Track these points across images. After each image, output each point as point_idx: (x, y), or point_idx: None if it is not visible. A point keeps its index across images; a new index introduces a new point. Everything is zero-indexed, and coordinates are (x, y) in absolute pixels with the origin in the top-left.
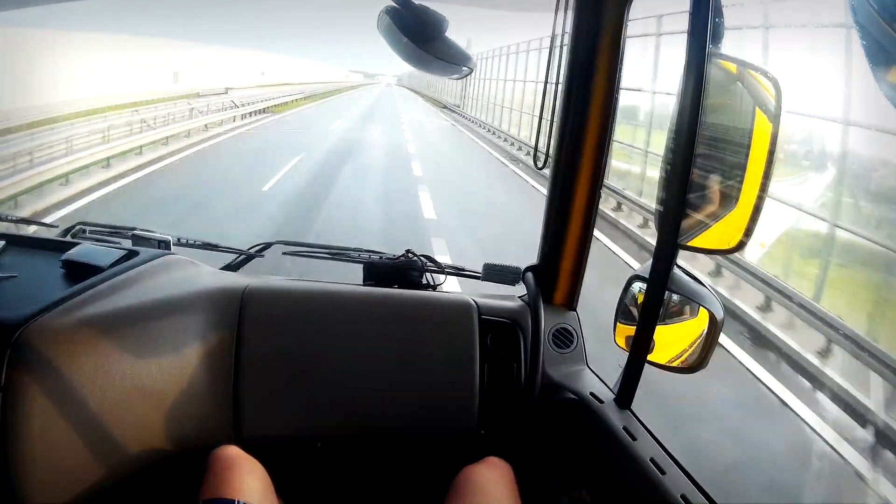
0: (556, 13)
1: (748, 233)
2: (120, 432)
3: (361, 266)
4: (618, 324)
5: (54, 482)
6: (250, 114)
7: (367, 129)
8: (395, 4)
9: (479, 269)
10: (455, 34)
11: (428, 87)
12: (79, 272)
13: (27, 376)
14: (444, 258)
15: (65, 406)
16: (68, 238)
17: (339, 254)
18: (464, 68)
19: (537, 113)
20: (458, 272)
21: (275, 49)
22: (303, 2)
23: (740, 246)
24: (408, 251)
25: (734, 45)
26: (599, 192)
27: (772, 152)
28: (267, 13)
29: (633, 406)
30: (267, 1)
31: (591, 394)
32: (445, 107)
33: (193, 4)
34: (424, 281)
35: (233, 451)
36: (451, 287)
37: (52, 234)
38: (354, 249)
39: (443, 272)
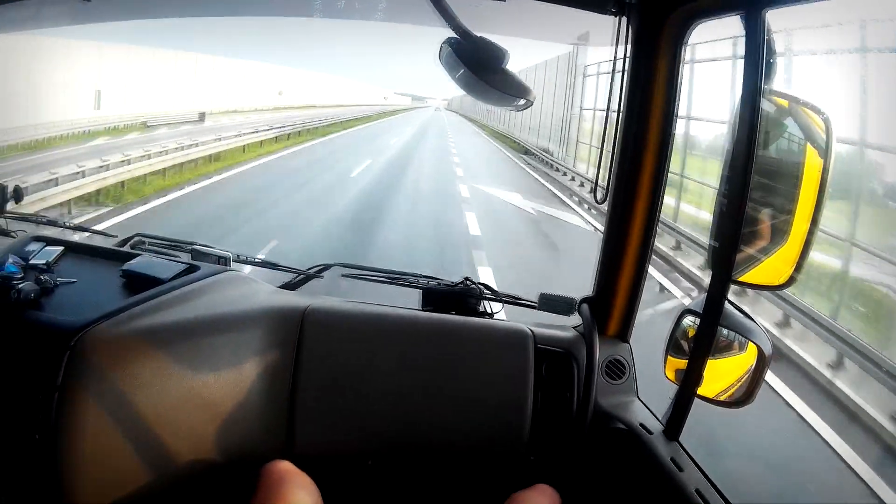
0: (615, 46)
1: (798, 268)
2: (172, 439)
3: (419, 291)
4: (668, 357)
5: (103, 483)
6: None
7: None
8: (456, 35)
9: (535, 298)
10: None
11: (488, 116)
12: (139, 283)
13: (84, 379)
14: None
15: (119, 410)
16: (126, 248)
17: (397, 278)
18: (522, 101)
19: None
20: (515, 301)
21: (314, 67)
22: (355, 26)
23: (790, 282)
24: (466, 278)
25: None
26: (656, 225)
27: (822, 187)
28: (314, 33)
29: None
30: (316, 23)
31: (641, 424)
32: (528, 151)
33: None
34: (481, 308)
35: (285, 466)
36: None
37: (109, 242)
38: (413, 274)
39: (499, 300)
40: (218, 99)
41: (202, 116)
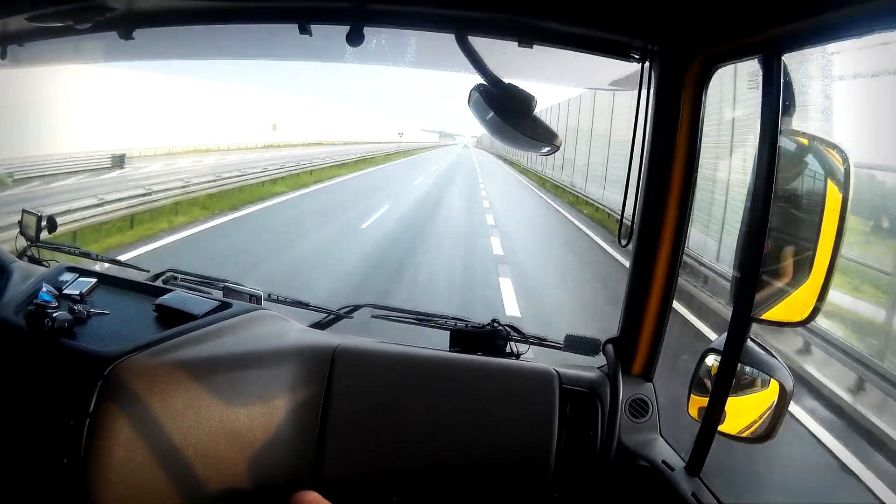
0: (638, 91)
1: (821, 299)
2: (201, 469)
3: (447, 332)
4: (691, 395)
5: None
6: None
7: None
8: (485, 82)
9: (561, 338)
10: None
11: (530, 159)
12: (172, 318)
13: (115, 408)
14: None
15: (149, 439)
16: (158, 283)
17: (426, 319)
18: (549, 146)
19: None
20: (541, 342)
21: (338, 100)
22: (385, 70)
23: (813, 315)
24: (494, 320)
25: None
26: (679, 265)
27: (842, 221)
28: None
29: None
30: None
31: (663, 461)
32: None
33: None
34: (508, 349)
35: (314, 496)
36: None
37: (141, 276)
38: (441, 316)
39: (526, 342)
40: (179, 134)
41: (119, 161)
